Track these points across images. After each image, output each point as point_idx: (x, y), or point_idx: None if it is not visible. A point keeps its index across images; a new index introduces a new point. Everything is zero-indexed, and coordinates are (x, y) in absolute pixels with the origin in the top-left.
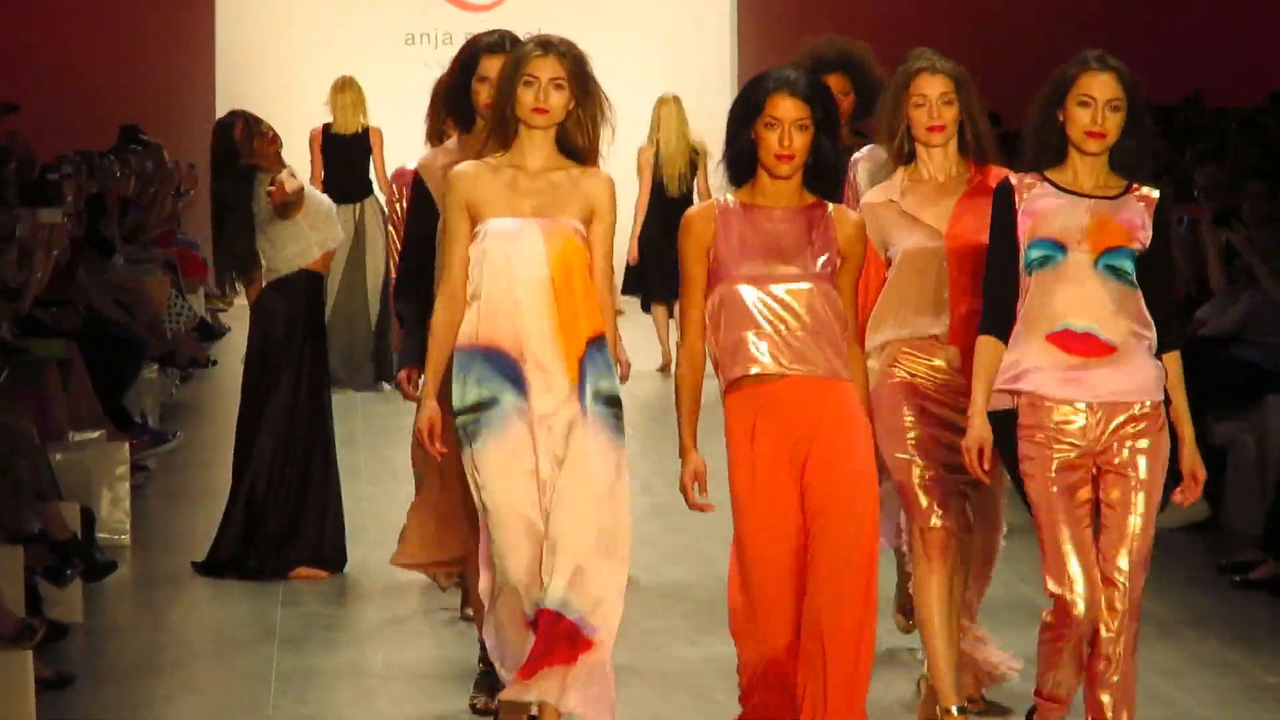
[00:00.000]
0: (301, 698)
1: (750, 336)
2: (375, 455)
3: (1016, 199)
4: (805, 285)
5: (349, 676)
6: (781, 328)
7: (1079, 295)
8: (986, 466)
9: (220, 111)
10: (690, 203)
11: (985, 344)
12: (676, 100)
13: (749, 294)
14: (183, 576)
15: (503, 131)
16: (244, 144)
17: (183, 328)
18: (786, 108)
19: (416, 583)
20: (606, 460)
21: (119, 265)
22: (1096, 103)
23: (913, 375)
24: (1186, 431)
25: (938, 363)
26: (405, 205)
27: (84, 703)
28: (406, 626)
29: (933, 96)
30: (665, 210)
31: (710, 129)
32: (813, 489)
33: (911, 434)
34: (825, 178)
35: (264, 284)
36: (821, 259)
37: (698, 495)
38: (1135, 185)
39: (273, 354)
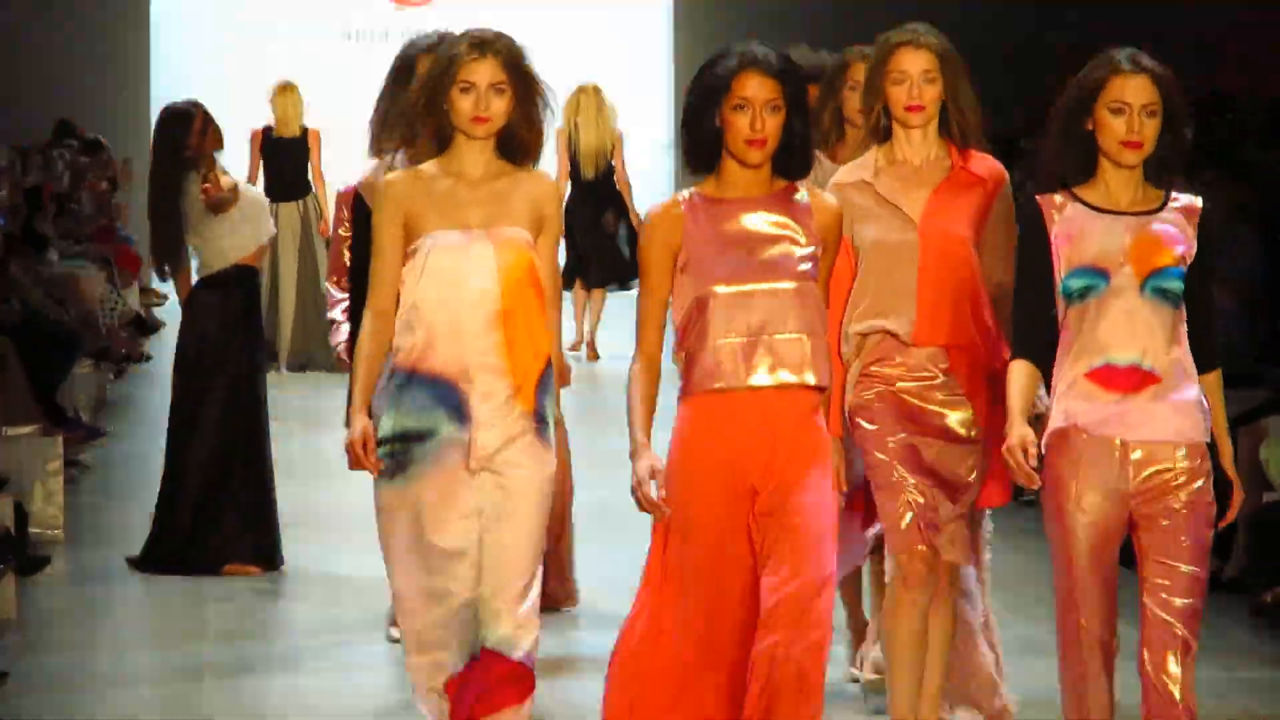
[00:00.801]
0: (235, 693)
1: (723, 345)
2: (310, 451)
3: (1048, 221)
4: (787, 284)
5: (282, 672)
6: (761, 333)
7: (1125, 325)
8: (1034, 464)
9: (156, 108)
10: (609, 183)
11: (1018, 368)
12: (597, 90)
13: (724, 298)
14: (116, 572)
15: (436, 136)
16: (197, 138)
17: (117, 323)
18: (756, 87)
19: (350, 578)
20: (545, 494)
21: (53, 260)
22: (1131, 109)
23: (888, 381)
24: (1224, 446)
25: (899, 360)
26: (348, 226)
27: (17, 698)
28: (340, 621)
29: (914, 73)
30: (583, 190)
31: (647, 118)
32: (765, 518)
33: (893, 447)
34: (796, 161)
35: (196, 280)
36: (803, 253)
37: (655, 492)
38: (1174, 195)
39: (208, 351)
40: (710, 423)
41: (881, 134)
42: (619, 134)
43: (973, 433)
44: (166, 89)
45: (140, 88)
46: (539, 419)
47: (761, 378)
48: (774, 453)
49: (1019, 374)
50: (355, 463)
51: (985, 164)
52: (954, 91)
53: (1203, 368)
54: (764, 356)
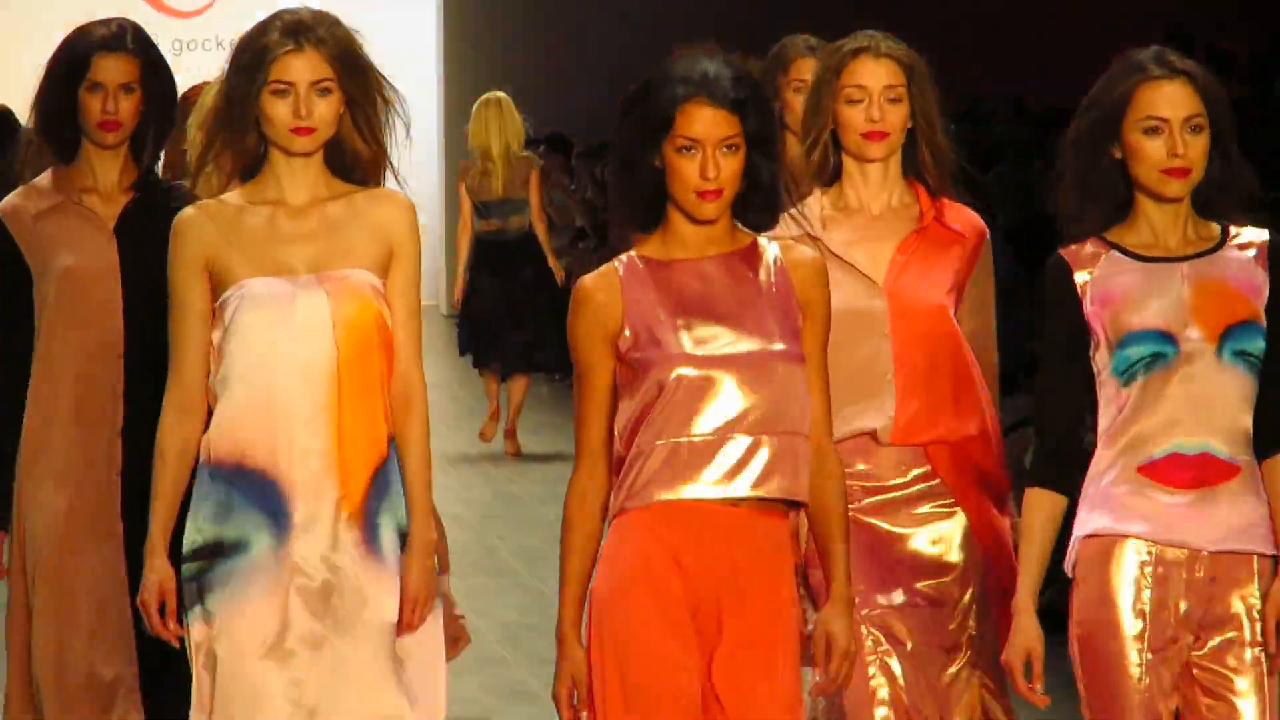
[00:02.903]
0: None
1: (670, 445)
2: None
3: (1077, 282)
4: (765, 364)
5: None
6: (730, 431)
7: (1199, 402)
8: (1039, 687)
9: None
10: None
11: (1036, 499)
12: None
13: (677, 384)
14: None
15: (241, 157)
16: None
17: None
18: (707, 122)
19: None
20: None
21: None
22: (1170, 125)
23: (853, 499)
24: None
25: (862, 468)
26: None
27: None
28: None
29: (874, 89)
30: None
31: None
32: (722, 674)
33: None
34: (758, 209)
35: None
36: (780, 321)
37: (571, 709)
38: (1232, 229)
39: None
40: (647, 547)
41: (829, 173)
42: None
43: (957, 555)
44: None
45: None
46: (371, 536)
47: (714, 489)
48: (725, 593)
49: (1039, 515)
50: (152, 627)
51: (963, 216)
52: (923, 117)
53: (1271, 447)
54: (724, 460)
